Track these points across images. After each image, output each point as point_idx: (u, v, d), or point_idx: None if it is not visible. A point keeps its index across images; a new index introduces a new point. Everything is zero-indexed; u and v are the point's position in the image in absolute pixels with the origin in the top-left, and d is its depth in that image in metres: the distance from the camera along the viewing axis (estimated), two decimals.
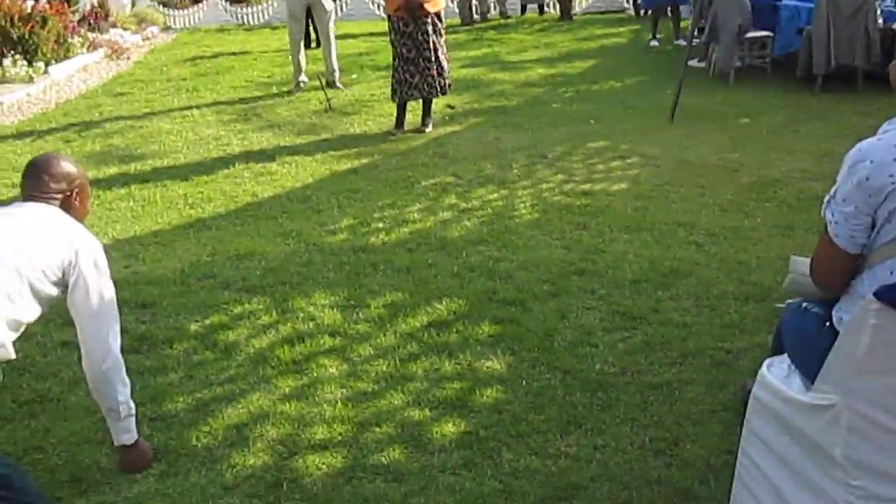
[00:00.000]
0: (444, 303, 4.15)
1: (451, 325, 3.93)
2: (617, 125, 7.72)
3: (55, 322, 4.04)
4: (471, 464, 2.91)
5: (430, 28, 7.25)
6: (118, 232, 5.34)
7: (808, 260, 2.47)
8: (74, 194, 2.89)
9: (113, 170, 6.76)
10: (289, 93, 9.48)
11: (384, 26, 7.84)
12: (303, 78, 9.60)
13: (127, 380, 2.81)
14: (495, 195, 5.84)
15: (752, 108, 8.20)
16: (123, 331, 3.86)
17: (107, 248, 5.02)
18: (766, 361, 2.53)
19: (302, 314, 4.08)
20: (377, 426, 3.14)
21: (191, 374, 3.56)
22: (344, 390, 3.41)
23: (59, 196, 2.83)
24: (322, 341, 3.82)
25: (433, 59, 7.32)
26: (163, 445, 3.06)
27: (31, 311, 2.62)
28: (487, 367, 3.56)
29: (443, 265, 4.63)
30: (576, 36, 13.15)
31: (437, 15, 7.29)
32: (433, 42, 7.30)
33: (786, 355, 2.49)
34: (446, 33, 7.56)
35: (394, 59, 7.44)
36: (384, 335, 3.87)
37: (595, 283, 4.38)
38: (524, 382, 3.42)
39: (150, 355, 3.73)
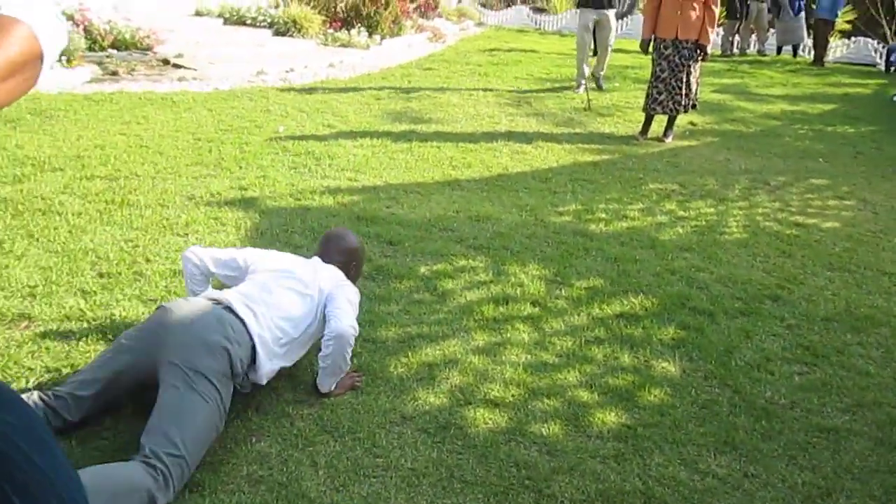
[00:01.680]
0: (639, 298, 3.64)
1: (640, 321, 3.42)
2: (843, 167, 6.65)
3: (319, 239, 3.99)
4: (621, 457, 2.45)
5: (686, 53, 6.56)
6: (392, 177, 5.22)
7: None
8: (351, 267, 2.90)
9: (403, 127, 6.69)
10: (565, 89, 9.10)
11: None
12: (583, 81, 8.97)
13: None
14: (712, 209, 5.15)
15: None
16: (368, 260, 3.79)
17: (380, 188, 5.00)
18: None
19: (513, 279, 3.72)
20: (547, 398, 2.75)
21: (408, 310, 3.33)
22: (528, 356, 3.04)
23: (339, 264, 2.84)
24: (523, 307, 3.45)
25: (684, 81, 6.62)
26: (366, 365, 2.85)
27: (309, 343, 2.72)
28: (663, 368, 3.04)
29: (648, 263, 4.09)
30: (823, 81, 11.65)
31: (698, 44, 6.55)
32: (688, 66, 6.60)
33: None
34: (705, 60, 6.79)
35: (651, 75, 6.84)
36: (577, 315, 3.44)
37: (786, 311, 3.68)
38: (693, 392, 2.89)
39: (381, 285, 3.54)
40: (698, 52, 6.59)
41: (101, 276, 3.42)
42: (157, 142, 5.63)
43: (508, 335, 3.18)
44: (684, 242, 4.46)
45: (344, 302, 2.63)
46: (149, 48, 9.04)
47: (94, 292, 3.25)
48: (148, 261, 3.60)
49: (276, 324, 2.51)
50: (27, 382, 2.60)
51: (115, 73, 8.14)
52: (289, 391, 2.66)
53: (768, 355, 3.23)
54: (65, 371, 2.66)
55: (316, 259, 2.86)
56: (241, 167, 5.17)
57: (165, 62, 8.82)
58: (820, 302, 3.82)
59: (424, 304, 3.40)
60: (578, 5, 9.12)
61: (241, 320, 2.42)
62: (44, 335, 2.89)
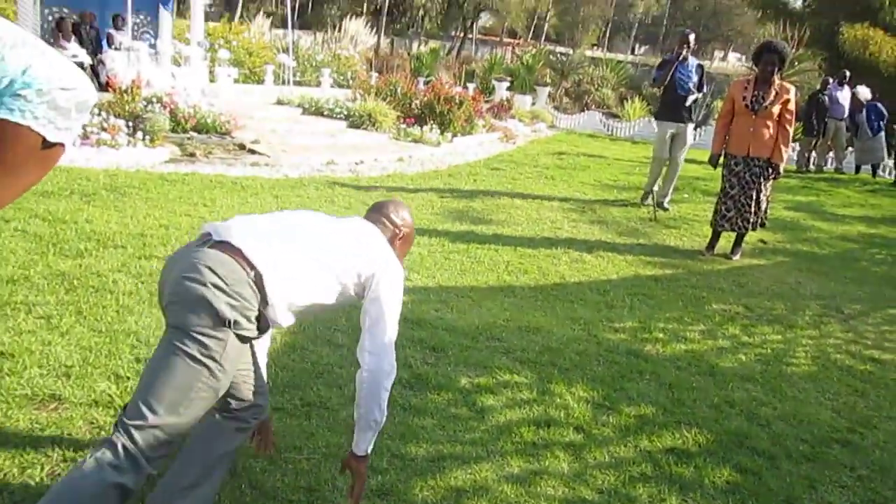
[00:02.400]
0: (692, 432, 3.37)
1: (692, 458, 3.15)
2: None
3: None
4: None
5: (758, 171, 6.39)
6: (444, 279, 5.12)
7: None
8: (398, 237, 2.60)
9: (463, 227, 6.64)
10: (633, 199, 8.85)
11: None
12: (653, 192, 8.52)
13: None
14: (779, 336, 4.84)
15: None
16: (407, 366, 3.62)
17: (430, 290, 4.89)
18: None
19: (559, 400, 3.51)
20: None
21: (443, 425, 3.15)
22: (566, 490, 2.80)
23: (388, 233, 2.55)
24: (565, 433, 3.22)
25: (754, 198, 6.42)
26: (390, 485, 2.67)
27: (324, 297, 2.28)
28: None
29: (705, 392, 3.82)
30: None
31: (771, 162, 6.37)
32: (758, 184, 6.41)
33: None
34: (777, 179, 6.58)
35: (720, 191, 6.67)
36: (624, 446, 3.19)
37: (857, 459, 3.34)
38: None
39: (418, 395, 3.38)
40: (770, 170, 6.40)
41: (137, 360, 3.37)
42: None
43: (546, 463, 2.96)
44: (747, 372, 4.17)
45: (383, 312, 2.31)
46: (228, 132, 9.39)
47: (128, 377, 3.20)
48: None
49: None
50: (41, 470, 2.52)
51: (192, 155, 8.44)
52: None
53: None
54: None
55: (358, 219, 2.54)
56: None
57: (241, 147, 9.13)
58: None
59: (461, 420, 3.21)
60: (657, 117, 8.78)
61: (239, 249, 2.08)
62: (69, 419, 2.82)
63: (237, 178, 7.58)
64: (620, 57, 25.81)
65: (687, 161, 12.16)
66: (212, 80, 13.01)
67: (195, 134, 9.05)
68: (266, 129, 10.23)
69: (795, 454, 3.31)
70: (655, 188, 8.62)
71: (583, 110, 19.00)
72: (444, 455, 2.92)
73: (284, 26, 16.42)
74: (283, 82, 14.34)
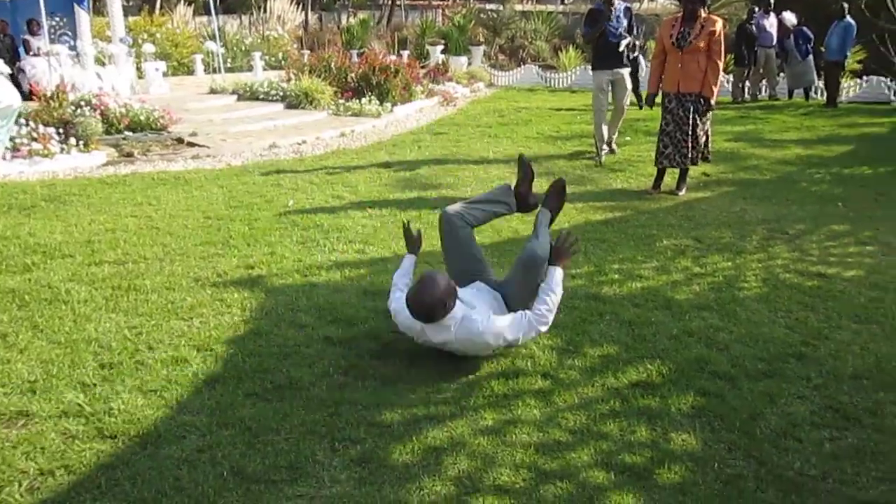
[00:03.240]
0: (655, 364, 3.49)
1: (658, 389, 3.26)
2: (863, 211, 6.47)
3: (325, 318, 3.90)
4: None
5: (690, 106, 6.51)
6: (401, 248, 5.10)
7: None
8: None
9: (413, 194, 6.66)
10: (577, 148, 8.94)
11: None
12: (605, 149, 8.44)
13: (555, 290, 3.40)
14: (729, 263, 4.99)
15: None
16: (374, 336, 3.68)
17: (388, 260, 4.91)
18: None
19: (524, 350, 3.58)
20: (559, 480, 2.58)
21: (414, 389, 3.19)
22: (540, 434, 2.88)
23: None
24: (534, 381, 3.31)
25: (689, 133, 6.55)
26: (370, 452, 2.73)
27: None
28: (683, 441, 2.87)
29: (664, 325, 3.94)
30: (837, 122, 11.53)
31: (703, 96, 6.49)
32: (693, 119, 6.54)
33: None
34: (712, 111, 6.70)
35: (659, 128, 6.79)
36: (591, 386, 3.29)
37: (812, 370, 3.49)
38: (717, 466, 2.71)
39: (387, 363, 3.42)
40: (703, 103, 6.52)
41: (102, 366, 3.35)
42: (168, 222, 5.64)
43: (518, 412, 3.04)
44: (701, 301, 4.30)
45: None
46: (163, 128, 9.21)
47: (94, 385, 3.18)
48: (150, 348, 3.54)
49: None
50: (20, 486, 2.52)
51: (130, 155, 8.28)
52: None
53: (795, 420, 3.05)
54: (59, 473, 2.57)
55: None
56: (248, 244, 5.14)
57: (180, 141, 8.97)
58: (848, 358, 3.63)
59: (432, 382, 3.27)
60: (593, 67, 8.60)
61: None
62: (40, 433, 2.81)
63: (179, 172, 7.46)
64: (551, 8, 25.74)
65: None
66: (140, 76, 12.70)
67: (130, 133, 8.85)
68: (203, 119, 10.06)
69: (754, 373, 3.45)
70: (605, 139, 8.51)
71: (519, 65, 18.98)
72: (419, 418, 2.98)
73: (208, 13, 16.01)
74: (215, 70, 14.05)
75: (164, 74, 12.91)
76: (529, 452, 2.75)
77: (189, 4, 20.02)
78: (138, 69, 12.77)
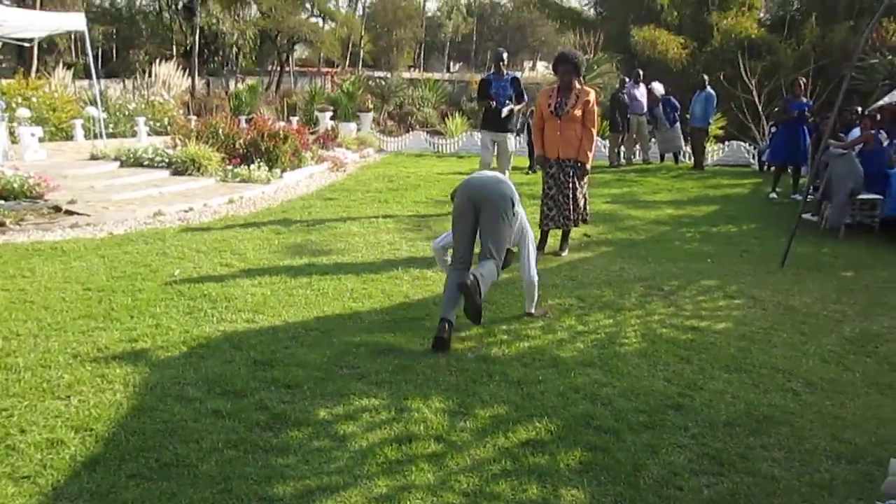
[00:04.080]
0: (544, 421, 3.58)
1: (546, 446, 3.35)
2: (730, 266, 6.94)
3: (214, 391, 3.80)
4: None
5: (570, 171, 6.89)
6: (291, 315, 5.10)
7: None
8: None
9: (303, 261, 6.63)
10: None
11: None
12: None
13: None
14: (610, 321, 5.22)
15: (858, 262, 7.23)
16: (263, 408, 3.61)
17: (278, 328, 4.86)
18: None
19: (416, 415, 3.61)
20: None
21: (307, 459, 3.16)
22: (433, 499, 2.89)
23: None
24: (427, 445, 3.33)
25: (571, 196, 6.90)
26: None
27: None
28: (572, 497, 2.96)
29: (551, 383, 4.06)
30: (704, 184, 12.37)
31: (579, 162, 6.88)
32: (573, 183, 6.90)
33: None
34: (589, 175, 7.11)
35: (542, 192, 7.12)
36: (483, 447, 3.34)
37: (689, 420, 3.69)
38: None
39: (278, 435, 3.37)
40: (580, 168, 6.91)
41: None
42: (43, 295, 5.37)
43: (413, 477, 3.05)
44: (585, 358, 4.48)
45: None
46: (40, 196, 8.82)
47: None
48: (23, 431, 3.34)
49: None
50: None
51: (1, 225, 7.85)
52: None
53: (675, 469, 3.20)
54: None
55: None
56: (132, 317, 4.96)
57: (57, 209, 8.60)
58: (721, 406, 3.86)
59: (324, 451, 3.24)
60: (481, 127, 9.38)
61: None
62: None
63: (57, 242, 7.14)
64: (437, 76, 26.59)
65: (517, 168, 12.73)
66: (14, 142, 12.13)
67: (2, 202, 8.41)
68: (82, 186, 9.69)
69: (636, 425, 3.61)
70: None
71: (408, 131, 19.39)
72: (311, 489, 2.94)
73: (88, 77, 15.58)
74: (96, 136, 13.61)
75: (41, 140, 12.38)
76: None
77: (68, 68, 19.42)
78: (12, 134, 12.19)
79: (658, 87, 14.69)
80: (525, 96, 9.31)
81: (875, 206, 8.64)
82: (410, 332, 4.84)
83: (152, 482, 2.94)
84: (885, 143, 9.18)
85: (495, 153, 9.07)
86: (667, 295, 5.91)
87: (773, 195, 10.97)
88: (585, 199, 7.18)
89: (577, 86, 6.91)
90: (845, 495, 3.06)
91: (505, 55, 9.32)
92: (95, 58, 14.16)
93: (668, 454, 3.34)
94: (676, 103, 14.48)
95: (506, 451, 3.31)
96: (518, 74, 9.78)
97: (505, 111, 8.82)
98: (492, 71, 9.35)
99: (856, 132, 9.78)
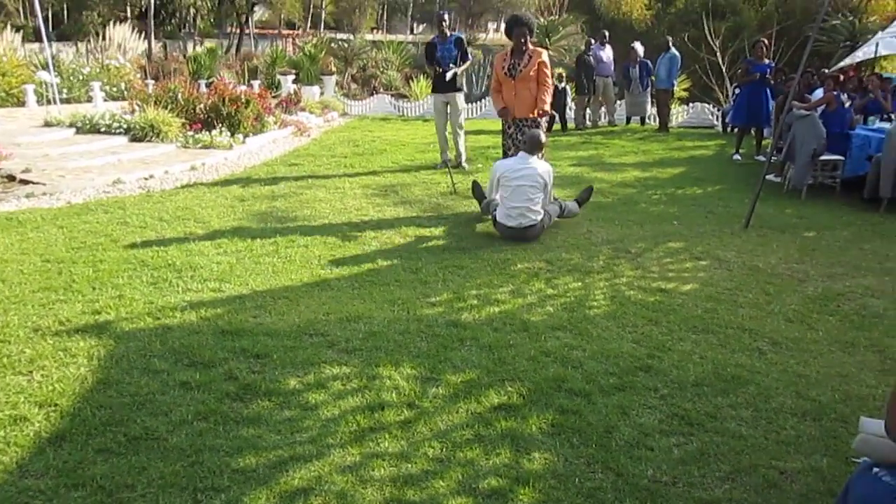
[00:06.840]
0: (515, 385, 3.61)
1: (518, 410, 3.37)
2: (696, 228, 7.01)
3: (181, 362, 3.75)
4: None
5: (527, 130, 6.94)
6: (258, 284, 5.04)
7: (880, 421, 1.85)
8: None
9: (269, 228, 6.53)
10: (434, 167, 9.70)
11: None
12: (447, 157, 9.77)
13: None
14: (578, 284, 5.25)
15: (820, 223, 7.35)
16: (233, 378, 3.57)
17: (245, 297, 4.79)
18: None
19: (388, 382, 3.60)
20: None
21: (278, 430, 3.14)
22: (404, 465, 2.89)
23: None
24: (398, 412, 3.32)
25: None
26: (234, 499, 2.64)
27: None
28: (545, 460, 2.99)
29: (522, 347, 4.09)
30: (669, 146, 12.42)
31: (534, 120, 7.05)
32: None
33: None
34: (549, 135, 7.24)
35: (502, 153, 7.27)
36: (455, 412, 3.34)
37: (659, 381, 3.74)
38: (577, 481, 2.83)
39: (249, 405, 3.34)
40: (536, 126, 7.04)
41: None
42: (0, 268, 5.23)
43: (383, 445, 3.04)
44: (555, 321, 4.50)
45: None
46: None
47: None
48: None
49: None
50: None
51: None
52: None
53: (646, 430, 3.25)
54: None
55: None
56: (94, 288, 4.85)
57: (11, 178, 8.34)
58: (689, 367, 3.91)
59: (295, 421, 3.22)
60: (432, 91, 9.91)
61: None
62: None
63: (12, 213, 6.94)
64: (401, 38, 26.20)
65: (478, 132, 12.69)
66: None
67: None
68: (37, 154, 9.40)
69: (607, 387, 3.64)
70: (449, 157, 9.69)
71: (372, 94, 19.13)
72: (283, 459, 2.92)
73: (39, 39, 15.03)
74: (49, 102, 13.19)
75: None
76: (392, 486, 2.76)
77: (17, 31, 18.73)
78: None
79: (639, 48, 14.59)
80: (469, 55, 9.88)
81: (836, 166, 8.77)
82: (380, 298, 4.81)
83: (121, 457, 2.90)
84: (847, 104, 9.30)
85: (449, 117, 9.61)
86: (634, 257, 5.95)
87: (737, 157, 11.07)
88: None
89: (529, 47, 7.18)
90: (811, 451, 3.13)
91: (447, 16, 9.92)
92: (46, 20, 13.63)
93: (639, 415, 3.38)
94: (652, 67, 14.43)
95: (478, 416, 3.32)
96: (463, 35, 9.98)
97: (449, 75, 9.30)
98: (436, 35, 9.69)
99: (818, 93, 9.87)
